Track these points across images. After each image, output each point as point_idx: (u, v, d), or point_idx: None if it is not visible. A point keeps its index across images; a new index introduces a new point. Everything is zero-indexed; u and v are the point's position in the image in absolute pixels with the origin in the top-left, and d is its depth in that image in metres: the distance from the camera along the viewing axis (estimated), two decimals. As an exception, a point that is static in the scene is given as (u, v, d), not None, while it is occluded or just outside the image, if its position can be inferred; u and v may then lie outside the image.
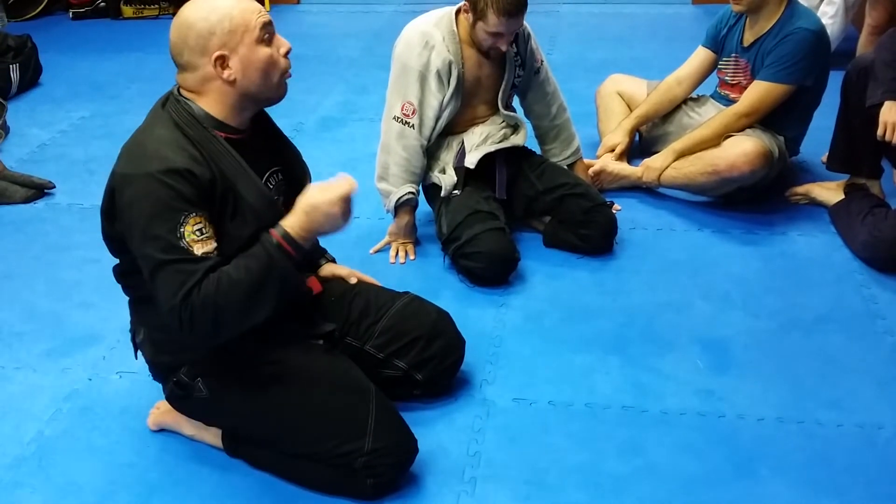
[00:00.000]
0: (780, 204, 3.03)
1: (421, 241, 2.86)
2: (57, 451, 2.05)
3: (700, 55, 3.19)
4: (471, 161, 2.70)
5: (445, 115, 2.67)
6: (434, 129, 2.68)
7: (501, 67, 2.70)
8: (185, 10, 1.72)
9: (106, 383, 2.27)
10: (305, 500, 1.89)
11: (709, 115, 3.09)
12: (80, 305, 2.60)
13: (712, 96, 3.21)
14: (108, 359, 2.36)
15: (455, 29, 2.61)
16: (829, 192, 2.97)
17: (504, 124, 2.79)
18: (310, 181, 1.94)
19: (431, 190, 2.80)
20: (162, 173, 1.64)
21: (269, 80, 1.76)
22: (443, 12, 2.64)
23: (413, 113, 2.64)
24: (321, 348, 1.96)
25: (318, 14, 5.61)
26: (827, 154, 3.03)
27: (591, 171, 3.10)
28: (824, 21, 3.39)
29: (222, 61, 1.70)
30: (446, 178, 2.72)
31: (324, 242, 2.22)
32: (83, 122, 3.96)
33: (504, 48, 2.58)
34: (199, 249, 1.65)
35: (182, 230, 1.64)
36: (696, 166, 2.94)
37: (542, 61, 2.81)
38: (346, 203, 1.72)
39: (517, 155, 2.84)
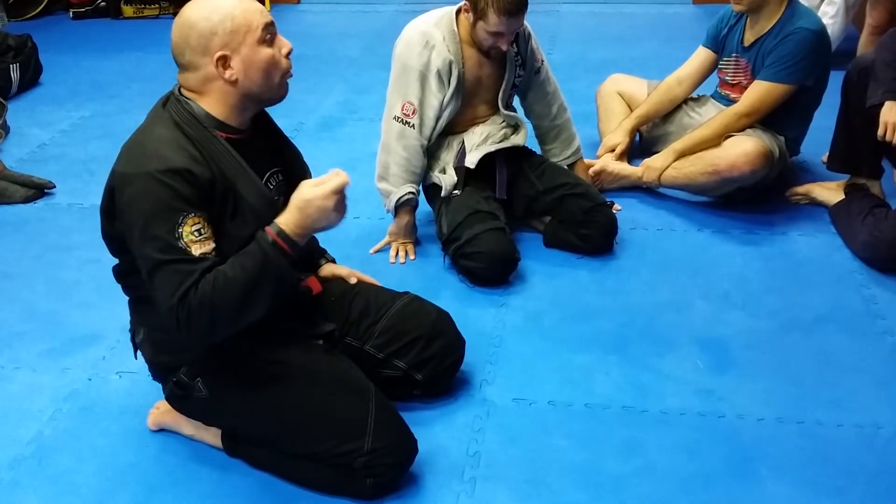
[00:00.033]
0: (781, 204, 3.03)
1: (421, 241, 2.86)
2: (57, 451, 2.05)
3: (700, 55, 3.19)
4: (471, 161, 2.70)
5: (446, 114, 2.67)
6: (434, 128, 2.68)
7: (502, 67, 2.70)
8: (186, 10, 1.72)
9: (106, 383, 2.27)
10: (305, 500, 1.89)
11: (709, 115, 3.09)
12: (80, 305, 2.60)
13: (713, 96, 3.21)
14: (108, 359, 2.36)
15: (455, 29, 2.61)
16: (830, 192, 2.97)
17: (504, 124, 2.78)
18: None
19: (431, 190, 2.80)
20: (161, 173, 1.64)
21: (271, 81, 1.76)
22: (443, 12, 2.64)
23: (413, 113, 2.64)
24: (321, 348, 1.96)
25: (318, 14, 5.60)
26: (827, 154, 3.03)
27: (591, 171, 3.10)
28: (825, 21, 3.39)
29: (224, 61, 1.70)
30: (446, 178, 2.72)
31: (324, 242, 2.22)
32: (83, 122, 3.96)
33: (504, 48, 2.58)
34: (197, 250, 1.65)
35: (180, 230, 1.64)
36: (696, 166, 2.94)
37: (542, 61, 2.81)
38: (339, 196, 1.71)
39: (517, 155, 2.83)
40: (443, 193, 2.72)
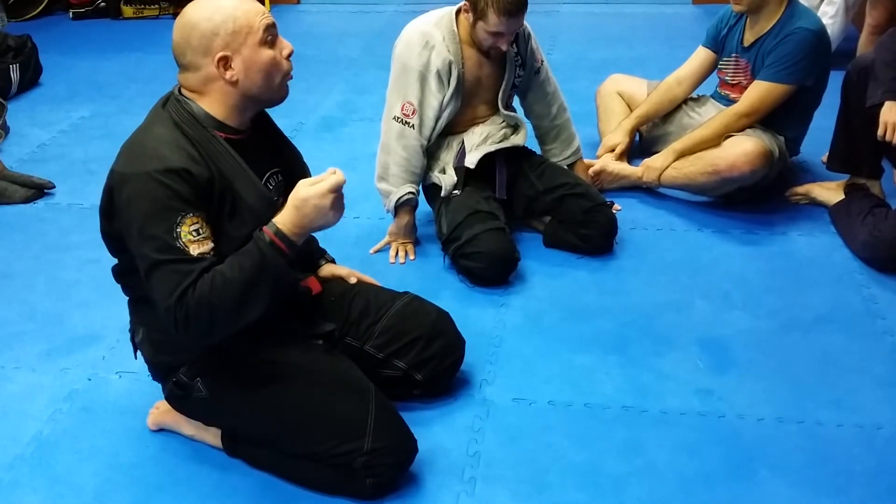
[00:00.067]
0: (781, 204, 3.03)
1: (421, 241, 2.86)
2: (56, 451, 2.05)
3: (700, 55, 3.19)
4: (471, 161, 2.70)
5: (445, 115, 2.67)
6: (434, 129, 2.68)
7: (501, 67, 2.70)
8: (188, 11, 1.72)
9: (105, 383, 2.27)
10: (305, 499, 1.89)
11: (709, 115, 3.09)
12: (80, 305, 2.60)
13: (712, 96, 3.21)
14: (108, 359, 2.36)
15: (455, 29, 2.61)
16: (830, 192, 2.96)
17: (504, 124, 2.78)
18: (309, 180, 1.94)
19: (431, 190, 2.80)
20: (160, 173, 1.64)
21: (271, 82, 1.76)
22: (443, 12, 2.64)
23: (413, 113, 2.64)
24: (321, 348, 1.96)
25: (318, 14, 5.61)
26: (827, 154, 3.02)
27: (591, 171, 3.10)
28: (824, 21, 3.39)
29: (225, 62, 1.70)
30: (446, 178, 2.72)
31: (323, 242, 2.22)
32: (83, 122, 3.96)
33: (504, 48, 2.58)
34: (195, 250, 1.65)
35: (178, 230, 1.64)
36: (696, 166, 2.94)
37: (542, 61, 2.81)
38: (336, 195, 1.70)
39: (517, 155, 2.83)
40: (442, 193, 2.72)
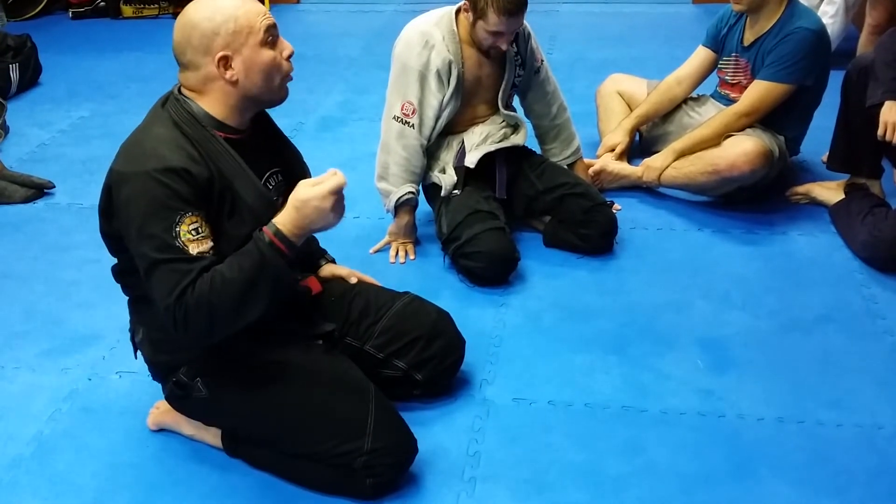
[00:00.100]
0: (781, 204, 3.03)
1: (421, 241, 2.85)
2: (56, 451, 2.05)
3: (700, 55, 3.19)
4: (471, 161, 2.70)
5: (445, 114, 2.67)
6: (434, 128, 2.68)
7: (501, 67, 2.70)
8: (189, 10, 1.72)
9: (105, 383, 2.27)
10: (305, 500, 1.89)
11: (709, 115, 3.09)
12: (80, 305, 2.60)
13: (712, 96, 3.21)
14: (108, 359, 2.36)
15: (455, 28, 2.60)
16: (830, 191, 2.96)
17: (504, 124, 2.78)
18: (309, 180, 1.94)
19: (431, 190, 2.80)
20: (159, 172, 1.64)
21: (271, 83, 1.76)
22: (443, 12, 2.64)
23: (413, 112, 2.63)
24: (321, 348, 1.96)
25: (318, 14, 5.60)
26: (827, 154, 3.02)
27: (591, 170, 3.10)
28: (824, 20, 3.39)
29: (225, 62, 1.70)
30: (446, 178, 2.72)
31: (323, 242, 2.22)
32: (83, 122, 3.96)
33: (504, 47, 2.58)
34: (194, 249, 1.65)
35: (177, 229, 1.64)
36: (696, 166, 2.94)
37: (542, 61, 2.81)
38: (337, 197, 1.70)
39: (517, 154, 2.83)
40: (442, 193, 2.72)
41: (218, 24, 1.69)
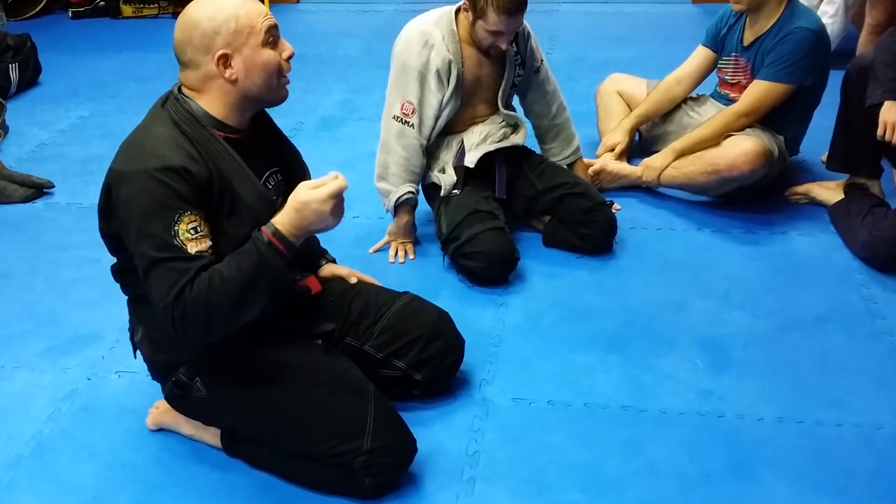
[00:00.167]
0: (780, 203, 3.03)
1: (420, 241, 2.85)
2: (56, 451, 2.05)
3: (700, 54, 3.19)
4: (470, 160, 2.70)
5: (445, 114, 2.67)
6: (434, 128, 2.68)
7: (501, 66, 2.70)
8: (190, 9, 1.72)
9: (105, 383, 2.27)
10: (304, 499, 1.89)
11: (708, 115, 3.09)
12: (79, 305, 2.60)
13: (712, 96, 3.21)
14: (107, 358, 2.36)
15: (455, 28, 2.60)
16: (829, 191, 2.96)
17: (504, 123, 2.78)
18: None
19: (431, 189, 2.80)
20: (158, 171, 1.64)
21: (271, 83, 1.76)
22: (442, 11, 2.64)
23: (413, 112, 2.63)
24: (320, 348, 1.96)
25: (318, 14, 5.60)
26: (827, 154, 3.02)
27: (590, 170, 3.10)
28: (824, 20, 3.39)
29: (225, 60, 1.70)
30: (446, 178, 2.72)
31: (323, 242, 2.22)
32: (82, 122, 3.96)
33: (504, 47, 2.58)
34: (192, 248, 1.65)
35: (176, 228, 1.64)
36: (696, 166, 2.94)
37: (541, 60, 2.81)
38: (337, 200, 1.70)
39: (517, 154, 2.83)
40: (442, 193, 2.72)
41: (219, 24, 1.69)
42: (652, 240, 2.86)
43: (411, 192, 2.71)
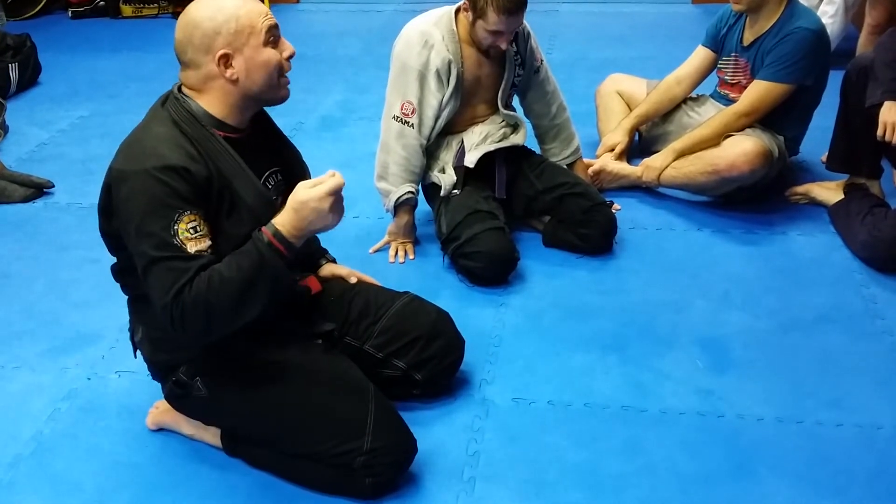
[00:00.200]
0: (780, 204, 3.03)
1: (420, 241, 2.85)
2: (56, 451, 2.05)
3: (700, 54, 3.19)
4: (470, 160, 2.70)
5: (445, 114, 2.67)
6: (433, 128, 2.68)
7: (501, 66, 2.70)
8: (191, 9, 1.72)
9: (105, 383, 2.27)
10: (304, 499, 1.89)
11: (708, 115, 3.09)
12: (79, 305, 2.60)
13: (712, 96, 3.21)
14: (107, 358, 2.36)
15: (455, 28, 2.60)
16: (829, 191, 2.97)
17: (504, 123, 2.78)
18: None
19: (431, 189, 2.80)
20: (158, 170, 1.64)
21: (272, 82, 1.76)
22: (442, 11, 2.64)
23: (412, 112, 2.63)
24: (320, 348, 1.96)
25: (318, 13, 5.60)
26: (827, 154, 3.02)
27: (590, 170, 3.10)
28: (824, 20, 3.39)
29: (226, 60, 1.70)
30: (446, 178, 2.72)
31: (323, 242, 2.22)
32: (82, 122, 3.96)
33: (504, 47, 2.58)
34: (192, 247, 1.65)
35: (176, 227, 1.64)
36: (695, 166, 2.94)
37: (541, 60, 2.81)
38: (335, 198, 1.70)
39: (517, 154, 2.83)
40: (442, 193, 2.72)
41: (219, 24, 1.69)
42: (652, 240, 2.86)
43: (411, 192, 2.71)
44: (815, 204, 2.99)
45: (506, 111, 2.77)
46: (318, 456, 1.84)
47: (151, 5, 5.55)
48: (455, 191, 2.71)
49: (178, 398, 1.94)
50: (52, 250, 2.91)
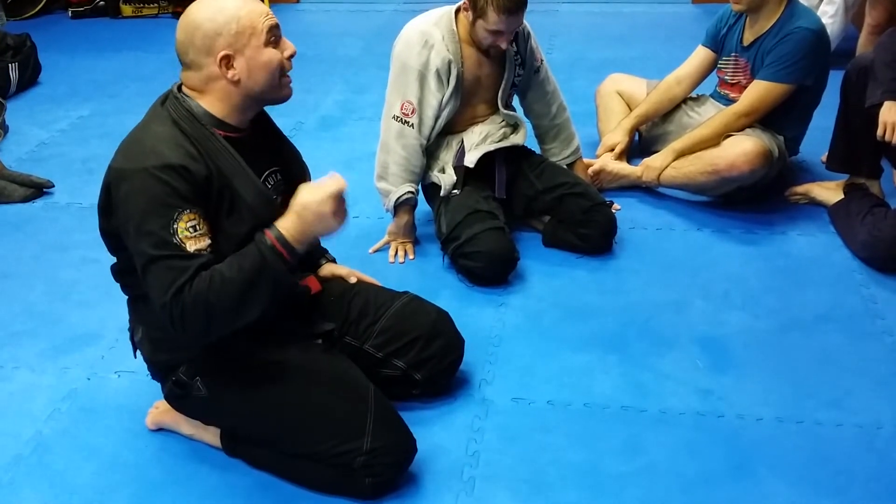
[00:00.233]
0: (780, 204, 3.03)
1: (420, 241, 2.85)
2: (55, 451, 2.05)
3: (700, 54, 3.19)
4: (470, 160, 2.70)
5: (445, 114, 2.67)
6: (433, 128, 2.68)
7: (501, 66, 2.70)
8: (192, 10, 1.72)
9: (105, 382, 2.27)
10: (304, 499, 1.89)
11: (708, 115, 3.09)
12: (79, 305, 2.60)
13: (712, 96, 3.21)
14: (107, 358, 2.36)
15: (455, 28, 2.60)
16: (829, 191, 2.96)
17: (504, 123, 2.78)
18: (309, 181, 1.94)
19: (431, 189, 2.80)
20: (157, 169, 1.64)
21: (274, 82, 1.76)
22: (442, 11, 2.64)
23: (412, 112, 2.63)
24: (320, 348, 1.96)
25: (318, 13, 5.60)
26: (827, 154, 3.02)
27: (590, 170, 3.10)
28: (824, 20, 3.39)
29: (227, 61, 1.70)
30: (446, 178, 2.72)
31: (323, 242, 2.21)
32: (82, 122, 3.96)
33: (504, 46, 2.58)
34: (191, 246, 1.65)
35: (175, 226, 1.64)
36: (695, 166, 2.94)
37: (541, 60, 2.81)
38: (337, 202, 1.71)
39: (517, 154, 2.83)
40: (442, 193, 2.72)
41: (220, 25, 1.69)
42: (652, 240, 2.86)
43: (411, 192, 2.71)
44: (815, 204, 2.99)
45: (506, 111, 2.77)
46: (318, 456, 1.84)
47: (151, 5, 5.55)
48: (455, 191, 2.71)
49: (178, 398, 1.94)
50: (52, 250, 2.91)
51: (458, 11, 2.61)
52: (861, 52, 3.57)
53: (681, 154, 3.00)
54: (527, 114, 2.93)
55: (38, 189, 3.27)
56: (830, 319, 2.44)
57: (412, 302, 2.12)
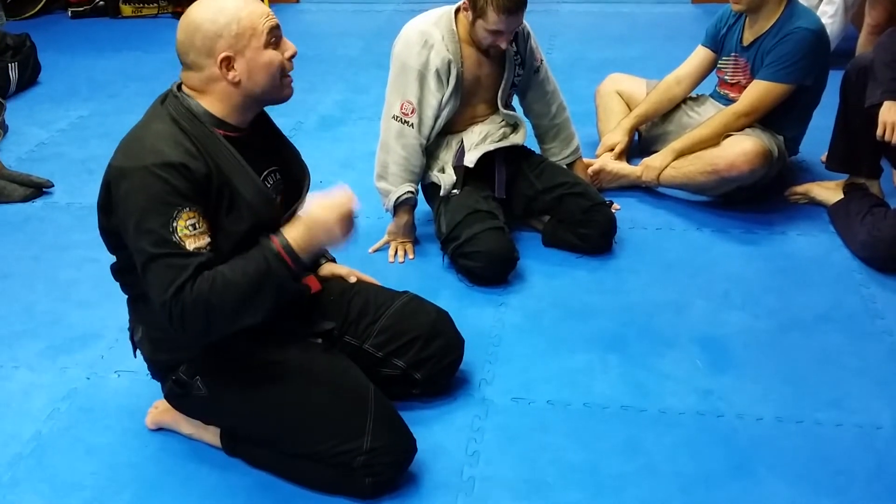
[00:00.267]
0: (780, 203, 3.03)
1: (420, 241, 2.85)
2: (55, 450, 2.05)
3: (699, 54, 3.19)
4: (470, 160, 2.70)
5: (444, 114, 2.67)
6: (433, 128, 2.68)
7: (501, 66, 2.70)
8: (192, 11, 1.72)
9: (104, 382, 2.27)
10: (304, 499, 1.89)
11: (708, 115, 3.09)
12: (79, 304, 2.60)
13: (712, 95, 3.21)
14: (107, 358, 2.36)
15: (454, 28, 2.60)
16: (829, 191, 2.97)
17: (503, 123, 2.78)
18: (309, 181, 1.94)
19: (431, 189, 2.80)
20: (157, 167, 1.64)
21: (274, 83, 1.77)
22: (442, 11, 2.64)
23: (412, 112, 2.63)
24: (320, 347, 1.96)
25: (318, 13, 5.60)
26: (826, 154, 3.03)
27: (590, 170, 3.10)
28: (824, 20, 3.39)
29: (228, 62, 1.70)
30: (445, 178, 2.72)
31: (323, 242, 2.22)
32: (82, 121, 3.96)
33: (504, 46, 2.58)
34: (191, 244, 1.65)
35: (175, 224, 1.64)
36: (695, 166, 2.94)
37: (541, 60, 2.81)
38: (346, 218, 1.73)
39: (516, 154, 2.83)
40: (442, 193, 2.72)
41: (221, 26, 1.69)
42: (652, 240, 2.86)
43: (411, 192, 2.71)
44: (815, 204, 2.99)
45: (505, 111, 2.77)
46: (318, 456, 1.84)
47: (151, 5, 5.54)
48: (455, 190, 2.71)
49: (178, 398, 1.94)
50: (51, 250, 2.91)
51: (457, 11, 2.61)
52: (861, 52, 3.57)
53: (680, 154, 3.00)
54: (526, 113, 2.93)
55: (37, 189, 3.27)
56: (830, 319, 2.44)
57: (412, 301, 2.12)
